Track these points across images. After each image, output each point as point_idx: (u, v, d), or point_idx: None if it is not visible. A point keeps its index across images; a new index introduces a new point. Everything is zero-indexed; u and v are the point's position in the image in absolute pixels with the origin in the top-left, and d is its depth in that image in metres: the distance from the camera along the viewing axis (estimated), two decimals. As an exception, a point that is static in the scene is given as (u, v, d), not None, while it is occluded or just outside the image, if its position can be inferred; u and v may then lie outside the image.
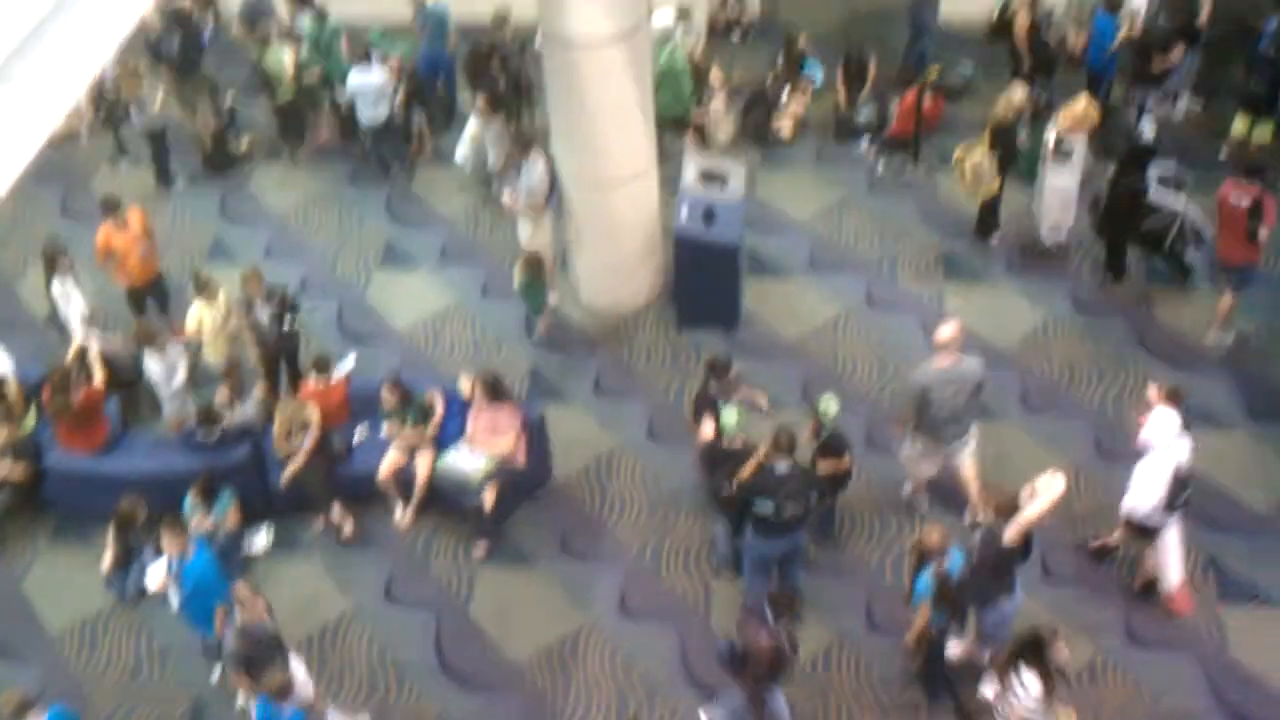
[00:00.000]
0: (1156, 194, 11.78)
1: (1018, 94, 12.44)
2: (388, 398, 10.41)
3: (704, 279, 11.88)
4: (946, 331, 9.61)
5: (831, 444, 9.71)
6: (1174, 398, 9.29)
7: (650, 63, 11.73)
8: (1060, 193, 12.35)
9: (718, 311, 12.11)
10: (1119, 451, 10.54)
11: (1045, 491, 8.12)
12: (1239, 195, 10.85)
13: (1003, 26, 14.50)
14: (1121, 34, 13.57)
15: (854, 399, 11.09)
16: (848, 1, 16.22)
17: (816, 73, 14.95)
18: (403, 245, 13.67)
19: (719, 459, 9.81)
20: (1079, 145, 12.12)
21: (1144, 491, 9.06)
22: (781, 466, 9.01)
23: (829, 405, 9.66)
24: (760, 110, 14.60)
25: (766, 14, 16.62)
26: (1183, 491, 9.02)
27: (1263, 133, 13.35)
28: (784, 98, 14.63)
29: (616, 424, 11.46)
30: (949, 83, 14.53)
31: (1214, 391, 11.16)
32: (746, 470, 9.22)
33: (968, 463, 9.98)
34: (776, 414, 10.83)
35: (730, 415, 9.74)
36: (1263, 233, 10.81)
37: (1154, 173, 11.91)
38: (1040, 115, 12.98)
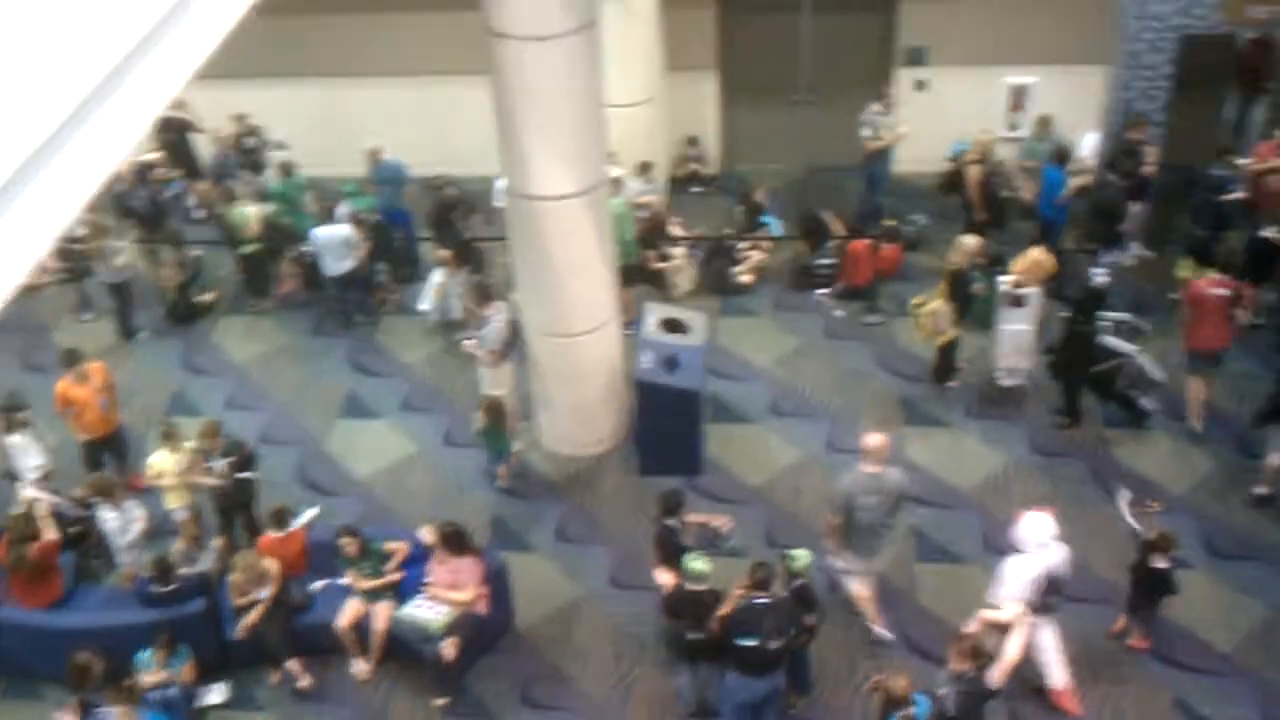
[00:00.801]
0: (1108, 339, 12.02)
1: (971, 243, 12.75)
2: (346, 547, 10.31)
3: (666, 425, 11.94)
4: (874, 440, 9.85)
5: (802, 595, 9.65)
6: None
7: (608, 216, 11.99)
8: (1016, 338, 12.57)
9: (680, 457, 12.14)
10: (1085, 595, 10.58)
11: (1010, 622, 8.16)
12: (1215, 288, 11.75)
13: (954, 179, 14.95)
14: (1073, 185, 13.99)
15: (818, 545, 11.04)
16: (802, 155, 16.65)
17: (773, 224, 15.31)
18: (365, 395, 13.70)
19: (685, 605, 9.72)
20: (1033, 293, 12.38)
21: (1009, 588, 9.22)
22: (762, 600, 8.98)
23: (799, 557, 9.65)
24: (720, 260, 14.89)
25: (724, 168, 17.06)
26: (1052, 595, 9.24)
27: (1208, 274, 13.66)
28: (743, 248, 14.95)
29: (579, 572, 11.38)
30: (904, 233, 14.88)
31: (1187, 528, 11.21)
32: (727, 606, 9.16)
33: (878, 566, 10.30)
34: (741, 561, 10.78)
35: (695, 561, 9.69)
36: (1241, 315, 12.00)
37: (1106, 318, 12.21)
38: (994, 263, 13.29)
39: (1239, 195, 13.63)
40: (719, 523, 10.89)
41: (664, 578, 10.00)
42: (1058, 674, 9.72)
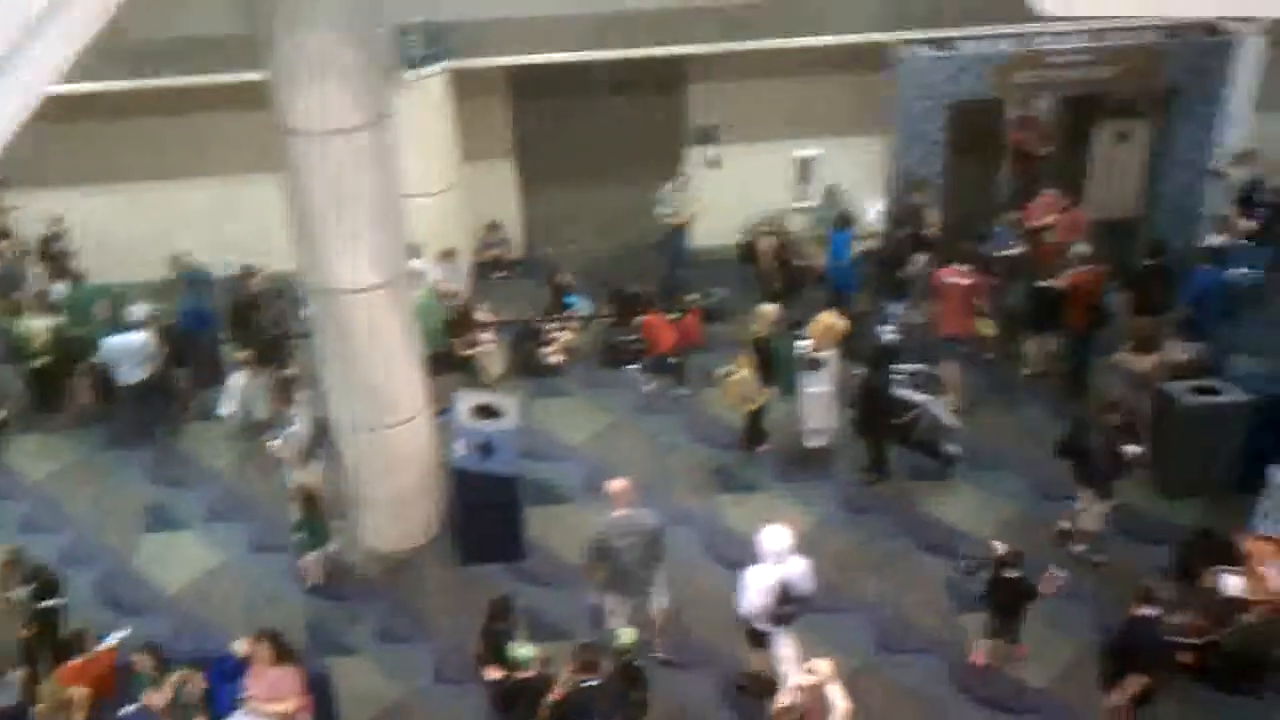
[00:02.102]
0: (902, 391, 12.52)
1: (770, 311, 13.13)
2: (144, 665, 9.88)
3: (484, 512, 11.86)
4: (617, 484, 10.23)
5: (631, 672, 9.63)
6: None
7: (413, 306, 11.95)
8: (817, 400, 12.94)
9: (501, 543, 12.05)
10: (902, 646, 10.87)
11: (822, 681, 8.36)
12: (956, 277, 13.01)
13: (749, 250, 15.39)
14: (858, 247, 14.55)
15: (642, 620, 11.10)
16: (604, 236, 16.94)
17: (580, 304, 15.48)
18: (169, 506, 13.24)
19: (515, 695, 9.61)
20: (829, 355, 12.78)
21: (748, 598, 9.68)
22: (592, 681, 8.93)
23: (624, 635, 9.66)
24: (529, 342, 14.96)
25: (527, 251, 17.19)
26: (786, 605, 9.65)
27: (985, 326, 14.31)
28: (551, 330, 15.06)
29: (404, 671, 11.13)
30: (706, 306, 15.21)
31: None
32: (557, 693, 9.08)
33: (658, 605, 10.56)
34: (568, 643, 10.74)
35: (521, 648, 9.61)
36: (980, 305, 13.32)
37: (900, 371, 12.71)
38: (793, 330, 13.69)
39: (1016, 251, 14.37)
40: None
41: (493, 673, 9.87)
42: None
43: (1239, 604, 10.31)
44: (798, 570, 9.78)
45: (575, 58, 15.03)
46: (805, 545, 11.95)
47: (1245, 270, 13.77)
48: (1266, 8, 9.55)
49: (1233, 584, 10.36)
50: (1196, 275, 13.58)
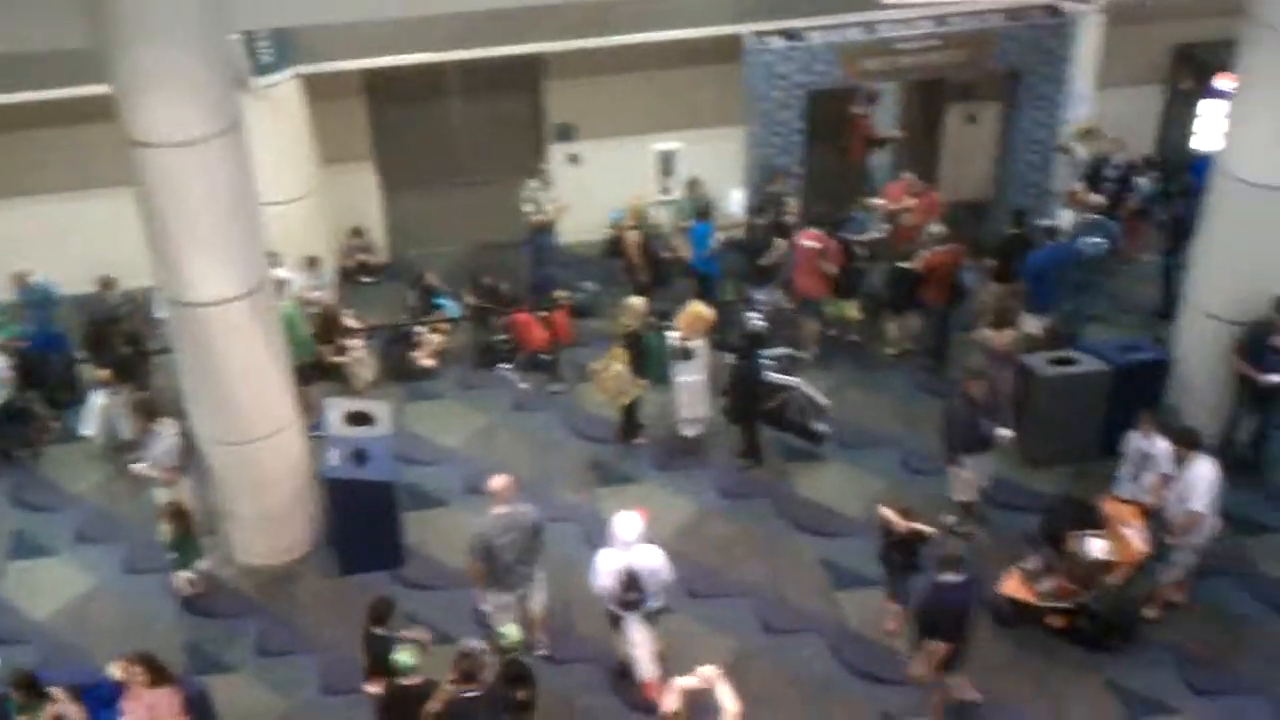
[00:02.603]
0: (772, 375, 12.75)
1: (638, 304, 13.22)
2: (16, 696, 9.57)
3: (361, 520, 11.72)
4: (498, 482, 10.30)
5: (516, 670, 9.62)
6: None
7: (276, 317, 11.77)
8: (690, 389, 13.06)
9: (380, 550, 11.93)
10: (786, 626, 11.06)
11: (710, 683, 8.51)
12: (807, 240, 13.69)
13: (615, 245, 15.47)
14: (720, 236, 14.72)
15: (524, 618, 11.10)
16: (468, 236, 16.85)
17: (449, 306, 15.39)
18: (34, 532, 12.82)
19: (399, 703, 9.52)
20: (699, 344, 12.90)
21: (597, 579, 9.93)
22: (472, 691, 8.89)
23: (509, 632, 9.65)
24: (399, 347, 14.82)
25: (393, 255, 17.02)
26: (631, 593, 9.86)
27: (849, 308, 14.68)
28: (420, 333, 14.94)
29: (288, 685, 10.96)
30: (576, 302, 15.25)
31: (862, 549, 11.86)
32: (436, 703, 9.02)
33: (538, 601, 10.71)
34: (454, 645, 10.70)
35: (404, 655, 9.52)
36: (828, 268, 13.81)
37: (768, 356, 12.93)
38: (662, 321, 13.79)
39: (876, 235, 14.69)
40: (422, 637, 10.63)
41: (374, 687, 9.77)
42: (646, 668, 10.28)
43: (1103, 566, 10.69)
44: (647, 559, 9.95)
45: (430, 59, 14.93)
46: (685, 533, 12.26)
47: (1094, 240, 14.24)
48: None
49: (1096, 547, 10.74)
50: (1043, 249, 14.01)
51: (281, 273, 13.83)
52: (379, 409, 12.41)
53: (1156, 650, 10.95)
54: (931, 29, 15.06)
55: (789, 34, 15.10)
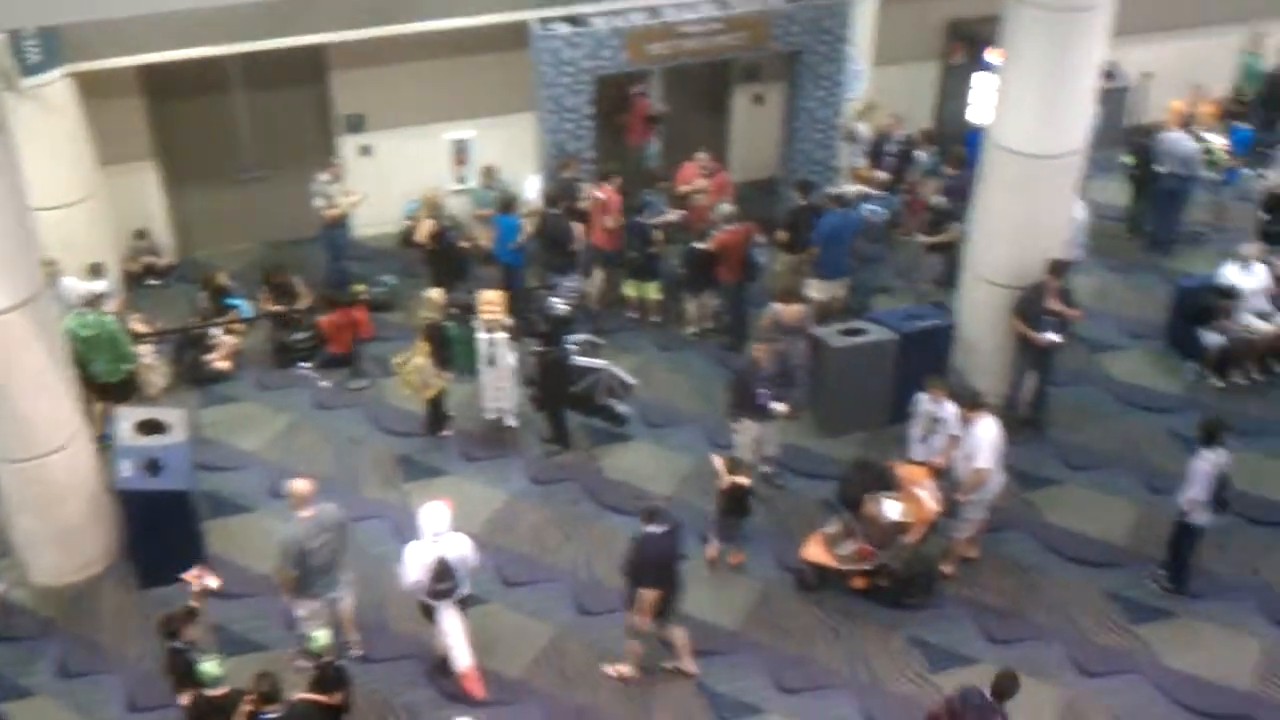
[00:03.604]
0: (578, 359, 12.86)
1: (438, 296, 13.14)
2: None
3: (158, 531, 11.36)
4: (301, 485, 10.14)
5: (328, 676, 9.48)
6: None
7: (57, 327, 11.31)
8: (496, 377, 13.05)
9: (180, 561, 11.43)
10: (600, 607, 11.20)
11: None
12: (600, 192, 14.29)
13: (411, 237, 15.29)
14: (526, 228, 14.71)
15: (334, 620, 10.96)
16: (259, 233, 16.44)
17: (242, 306, 15.00)
18: None
19: (208, 714, 9.30)
20: (502, 335, 12.89)
21: (407, 572, 10.00)
22: (271, 713, 8.76)
23: (319, 637, 9.51)
24: (192, 350, 14.38)
25: (181, 256, 16.47)
26: (443, 582, 9.98)
27: (650, 290, 14.91)
28: (213, 335, 14.53)
29: (91, 706, 10.57)
30: (375, 296, 15.05)
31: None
32: (237, 725, 8.87)
33: (348, 602, 10.61)
34: (263, 655, 10.52)
35: (209, 665, 9.30)
36: (609, 221, 14.40)
37: (572, 341, 13.03)
38: (464, 311, 13.74)
39: (670, 217, 14.89)
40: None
41: (184, 699, 9.51)
42: (463, 656, 10.37)
43: (900, 527, 11.13)
44: (457, 548, 10.03)
45: (208, 53, 14.48)
46: (497, 523, 12.29)
47: (875, 208, 14.72)
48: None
49: (892, 509, 11.16)
50: (832, 215, 14.44)
51: (101, 285, 13.42)
52: (172, 416, 12.04)
53: (954, 604, 11.48)
54: (713, 12, 15.32)
55: (574, 19, 15.17)
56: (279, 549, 10.09)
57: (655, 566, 10.05)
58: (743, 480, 11.43)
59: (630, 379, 13.23)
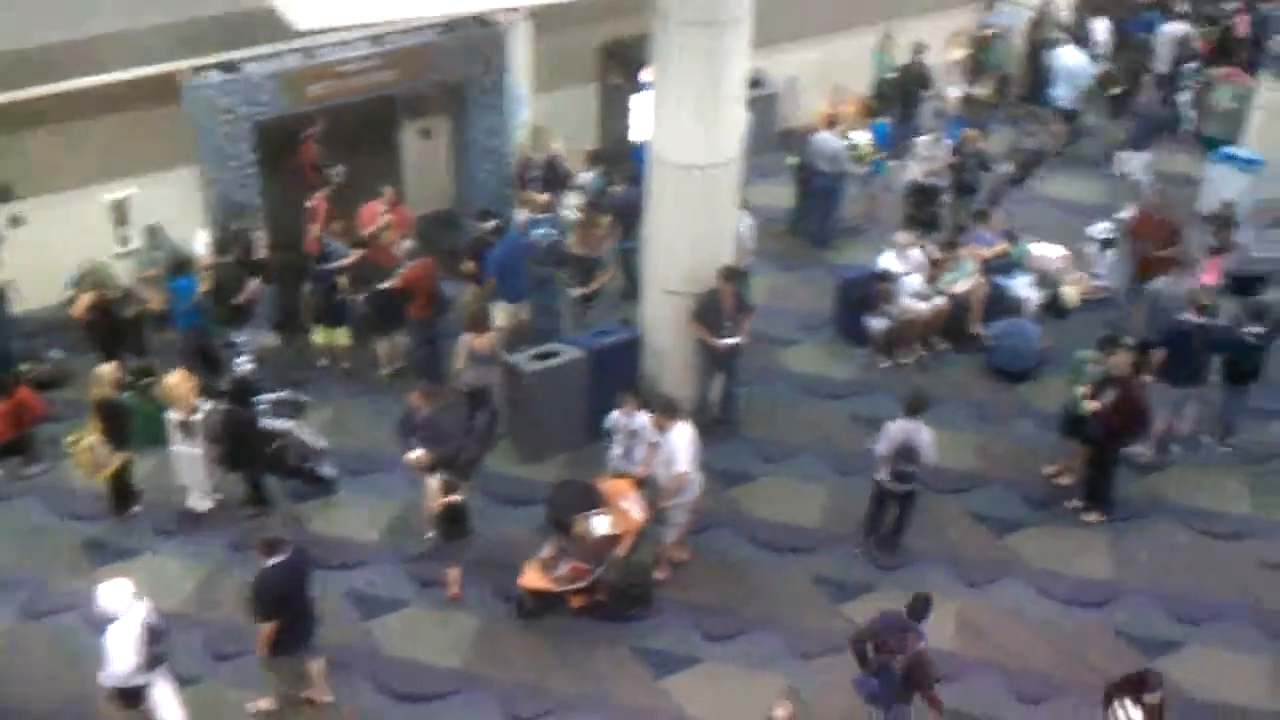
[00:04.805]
0: (266, 420, 12.51)
1: (108, 371, 12.52)
2: None
3: None
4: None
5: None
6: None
7: None
8: (188, 458, 12.52)
9: None
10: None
11: None
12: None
13: (72, 308, 14.45)
14: (204, 288, 14.18)
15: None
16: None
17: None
18: None
19: None
20: (196, 416, 12.35)
21: (119, 657, 9.69)
22: None
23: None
24: None
25: None
26: (156, 645, 9.82)
27: (339, 336, 14.71)
28: None
29: None
30: (40, 375, 14.17)
31: (389, 573, 12.05)
32: None
33: None
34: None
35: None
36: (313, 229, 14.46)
37: (264, 401, 12.66)
38: (141, 380, 13.14)
39: (349, 260, 14.70)
40: None
41: None
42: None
43: (610, 540, 11.37)
44: (147, 611, 9.79)
45: None
46: (203, 596, 11.84)
47: (542, 231, 14.96)
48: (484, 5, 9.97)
49: (601, 524, 11.39)
50: (499, 243, 14.59)
51: None
52: None
53: (672, 608, 11.82)
54: (370, 49, 15.21)
55: (227, 66, 14.75)
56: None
57: (276, 598, 9.98)
58: (456, 498, 11.42)
59: (319, 442, 12.91)
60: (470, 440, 12.51)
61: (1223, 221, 16.06)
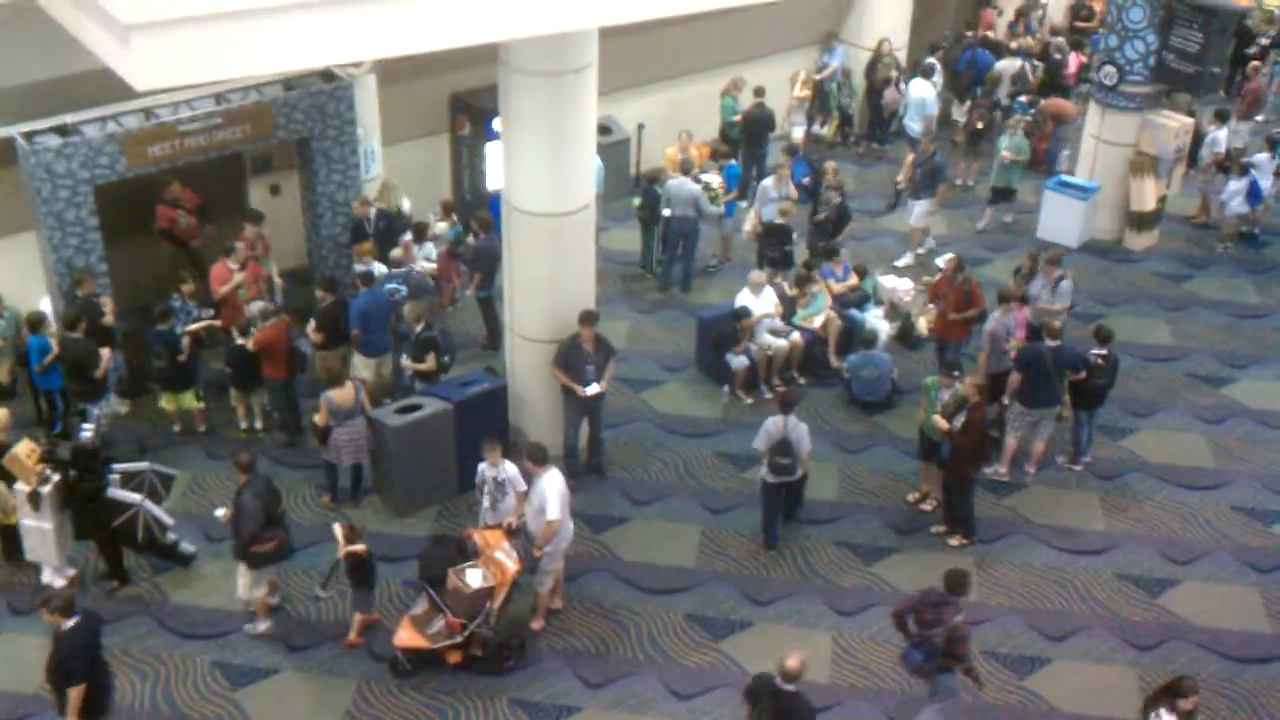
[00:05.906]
0: (115, 492, 12.05)
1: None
2: None
3: None
4: None
5: None
6: None
7: None
8: (37, 533, 11.98)
9: None
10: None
11: None
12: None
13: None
14: (53, 352, 13.71)
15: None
16: None
17: None
18: None
19: None
20: (46, 487, 11.83)
21: None
22: None
23: None
24: None
25: None
26: None
27: (187, 400, 14.35)
28: None
29: None
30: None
31: (255, 641, 11.75)
32: None
33: None
34: None
35: None
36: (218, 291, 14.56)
37: (121, 471, 12.22)
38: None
39: (204, 322, 14.37)
40: None
41: None
42: None
43: (485, 593, 11.25)
44: None
45: None
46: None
47: (395, 286, 14.83)
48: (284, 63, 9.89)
49: (475, 577, 11.26)
50: (356, 298, 14.45)
51: None
52: None
53: (550, 657, 11.77)
54: (212, 106, 14.91)
55: (64, 129, 14.31)
56: None
57: (74, 661, 9.79)
58: (359, 548, 11.36)
59: (167, 519, 12.42)
60: (271, 530, 11.55)
61: (1022, 272, 16.07)
